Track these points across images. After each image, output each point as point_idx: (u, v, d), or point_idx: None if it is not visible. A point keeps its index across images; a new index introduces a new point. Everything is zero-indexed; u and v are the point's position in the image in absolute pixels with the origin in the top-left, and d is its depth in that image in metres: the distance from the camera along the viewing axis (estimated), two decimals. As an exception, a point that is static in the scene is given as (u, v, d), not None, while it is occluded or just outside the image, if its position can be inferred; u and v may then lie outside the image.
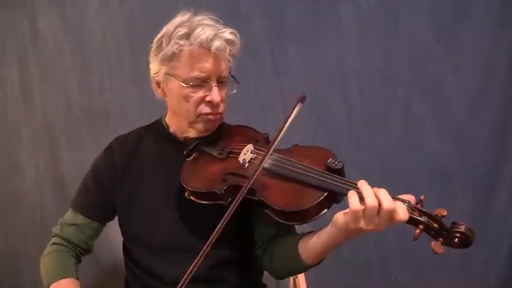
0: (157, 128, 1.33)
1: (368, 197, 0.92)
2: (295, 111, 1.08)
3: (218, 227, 0.98)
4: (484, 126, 1.95)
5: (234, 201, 1.00)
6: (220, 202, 1.09)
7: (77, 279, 1.26)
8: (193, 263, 0.98)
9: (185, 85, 1.16)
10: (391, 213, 0.91)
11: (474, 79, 1.95)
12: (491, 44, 1.93)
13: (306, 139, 1.86)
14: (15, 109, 2.07)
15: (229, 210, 0.99)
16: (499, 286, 1.94)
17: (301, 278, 1.44)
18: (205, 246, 0.98)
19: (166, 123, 1.31)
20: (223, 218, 0.99)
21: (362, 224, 0.92)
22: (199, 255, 0.98)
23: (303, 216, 1.01)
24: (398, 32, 1.98)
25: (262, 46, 2.03)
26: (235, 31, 1.20)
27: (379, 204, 0.91)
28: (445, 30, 1.96)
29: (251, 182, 1.02)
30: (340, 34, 2.01)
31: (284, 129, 1.07)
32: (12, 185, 2.05)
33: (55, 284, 1.22)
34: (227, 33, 1.17)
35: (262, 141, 1.21)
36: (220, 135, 1.27)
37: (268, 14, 2.02)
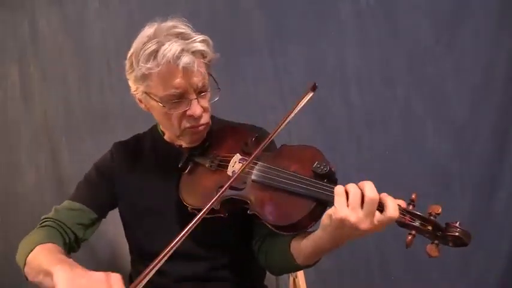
0: (154, 136, 1.33)
1: (350, 186, 0.92)
2: (305, 100, 1.09)
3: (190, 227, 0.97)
4: (484, 126, 1.95)
5: (198, 218, 0.97)
6: (219, 215, 1.10)
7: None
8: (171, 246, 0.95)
9: (162, 104, 1.14)
10: (374, 202, 0.90)
11: (474, 79, 1.95)
12: (491, 44, 1.93)
13: (306, 139, 1.87)
14: (15, 109, 2.07)
15: (191, 224, 0.97)
16: (499, 286, 1.94)
17: (301, 278, 1.44)
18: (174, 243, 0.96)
19: (161, 130, 1.31)
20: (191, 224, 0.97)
21: (345, 213, 0.90)
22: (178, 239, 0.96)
23: (298, 227, 1.01)
24: (398, 32, 1.98)
25: (262, 46, 2.03)
26: (206, 38, 1.15)
27: (362, 193, 0.90)
28: (445, 30, 1.96)
29: (217, 199, 1.01)
30: (340, 34, 2.01)
31: (284, 123, 1.07)
32: (12, 185, 2.06)
33: (41, 245, 1.10)
34: (196, 44, 1.12)
35: (252, 144, 1.19)
36: (212, 141, 1.25)
37: (268, 14, 2.02)
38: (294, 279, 1.46)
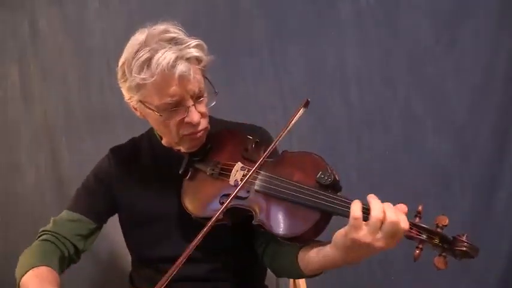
0: (152, 140, 1.31)
1: (375, 208, 0.89)
2: (297, 116, 1.08)
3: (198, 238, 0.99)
4: (484, 126, 1.95)
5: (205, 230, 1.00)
6: (223, 223, 1.10)
7: (59, 274, 1.16)
8: (176, 265, 0.98)
9: (159, 113, 1.12)
10: (393, 225, 0.88)
11: (474, 79, 1.95)
12: (491, 44, 1.93)
13: (306, 139, 1.87)
14: (15, 109, 2.07)
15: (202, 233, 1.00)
16: (499, 286, 1.94)
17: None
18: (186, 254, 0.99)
19: (159, 134, 1.28)
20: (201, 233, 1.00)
21: (361, 234, 0.89)
22: (183, 257, 0.99)
23: (302, 239, 1.01)
24: (398, 32, 1.98)
25: (262, 46, 2.03)
26: (200, 42, 1.12)
27: (383, 217, 0.88)
28: (445, 30, 1.96)
29: (223, 210, 1.03)
30: (340, 34, 2.01)
31: (281, 136, 1.07)
32: (12, 185, 2.05)
33: (34, 269, 1.11)
34: (191, 49, 1.09)
35: (252, 150, 1.17)
36: (211, 146, 1.23)
37: (268, 14, 2.02)
38: (294, 279, 1.47)
